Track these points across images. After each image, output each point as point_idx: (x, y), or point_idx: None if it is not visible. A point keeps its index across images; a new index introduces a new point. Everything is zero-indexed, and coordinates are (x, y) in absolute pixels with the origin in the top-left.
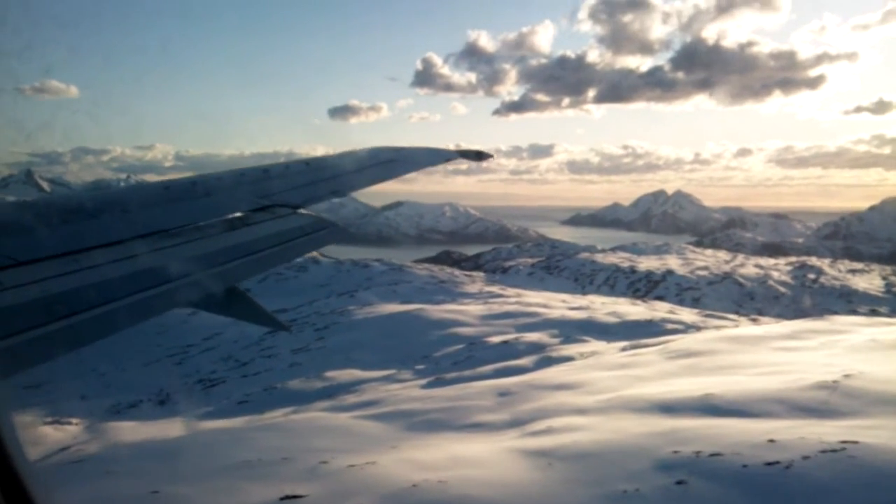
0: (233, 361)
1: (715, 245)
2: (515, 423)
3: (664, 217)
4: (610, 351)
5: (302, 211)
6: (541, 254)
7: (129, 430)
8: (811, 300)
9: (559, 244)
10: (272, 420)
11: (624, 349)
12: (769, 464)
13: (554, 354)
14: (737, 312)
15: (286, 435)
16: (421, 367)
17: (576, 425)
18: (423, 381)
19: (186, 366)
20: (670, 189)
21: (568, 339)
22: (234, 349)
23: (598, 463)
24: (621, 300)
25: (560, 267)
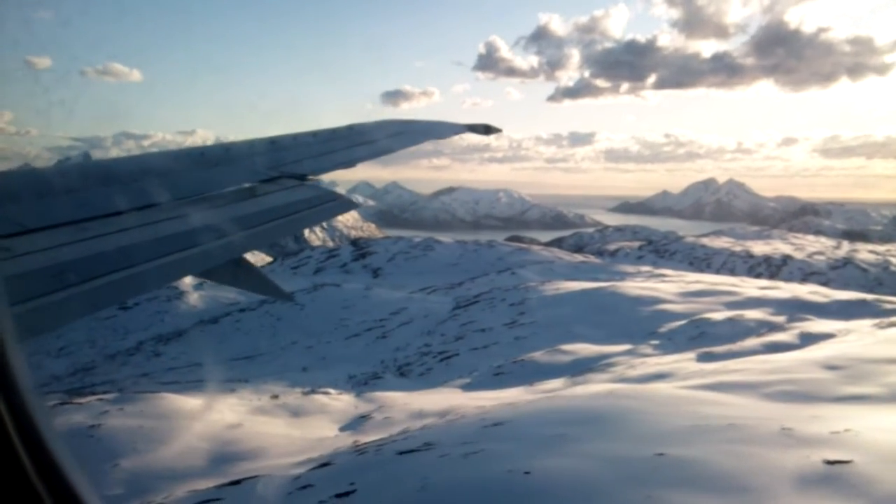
0: (439, 336)
1: (794, 231)
2: None
3: (718, 205)
4: (862, 328)
5: (309, 182)
6: (623, 238)
7: (410, 399)
8: None
9: (640, 229)
10: (578, 392)
11: (879, 326)
12: None
13: (814, 331)
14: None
15: (664, 404)
16: (655, 342)
17: None
18: (691, 355)
19: (393, 339)
20: (709, 178)
21: (793, 318)
22: (428, 324)
23: None
24: (779, 283)
25: (670, 250)
